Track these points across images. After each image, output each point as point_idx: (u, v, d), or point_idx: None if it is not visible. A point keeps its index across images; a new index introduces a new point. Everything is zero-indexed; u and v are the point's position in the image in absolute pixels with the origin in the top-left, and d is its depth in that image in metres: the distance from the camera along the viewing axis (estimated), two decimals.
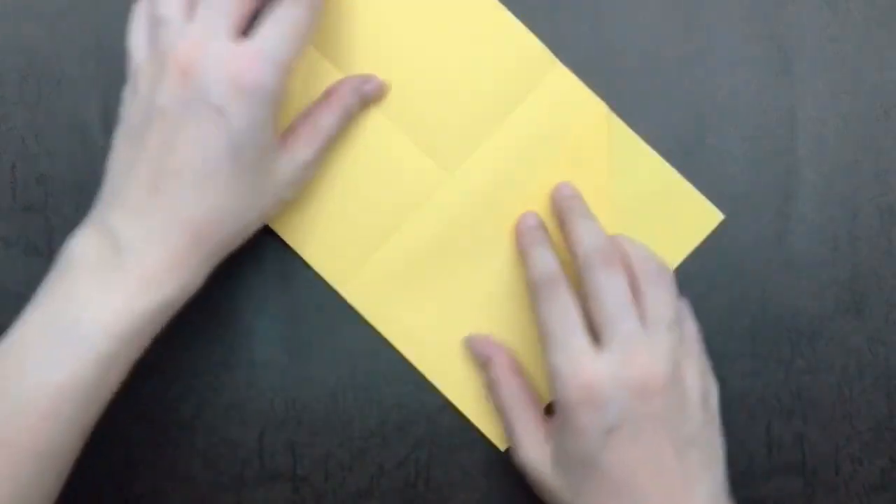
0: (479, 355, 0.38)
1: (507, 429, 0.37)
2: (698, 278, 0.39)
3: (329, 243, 0.39)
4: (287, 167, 0.36)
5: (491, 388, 0.38)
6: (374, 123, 0.39)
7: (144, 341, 0.33)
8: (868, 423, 0.39)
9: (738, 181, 0.39)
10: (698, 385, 0.34)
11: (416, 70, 0.39)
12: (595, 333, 0.34)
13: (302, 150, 0.36)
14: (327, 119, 0.37)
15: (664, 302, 0.34)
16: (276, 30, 0.33)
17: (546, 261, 0.36)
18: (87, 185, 0.39)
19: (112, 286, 0.32)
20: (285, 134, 0.36)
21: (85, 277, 0.32)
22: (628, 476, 0.32)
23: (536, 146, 0.39)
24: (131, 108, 0.34)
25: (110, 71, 0.40)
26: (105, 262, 0.32)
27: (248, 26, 0.34)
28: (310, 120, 0.37)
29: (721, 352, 0.39)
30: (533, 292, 0.36)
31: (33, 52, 0.40)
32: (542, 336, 0.35)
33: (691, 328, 0.36)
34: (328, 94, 0.38)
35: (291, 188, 0.36)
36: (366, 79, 0.38)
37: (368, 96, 0.38)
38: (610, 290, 0.34)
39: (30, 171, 0.39)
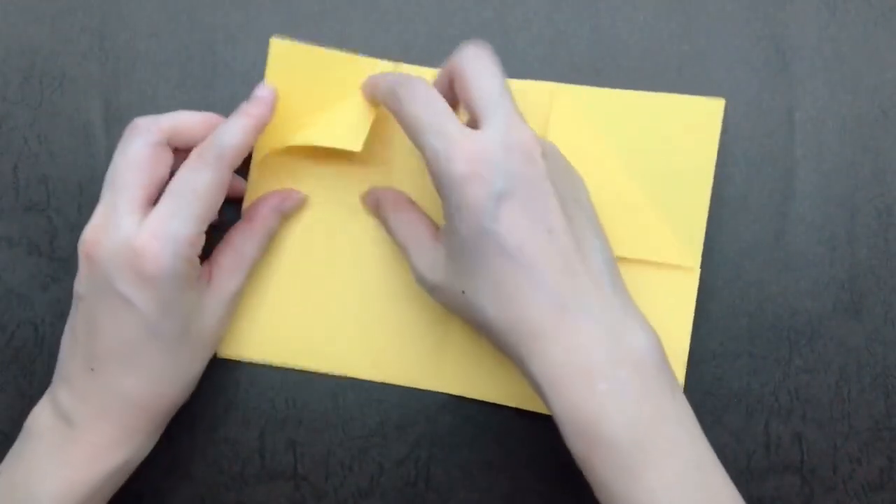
0: (370, 203, 0.38)
1: (405, 254, 0.36)
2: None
3: (329, 344, 0.39)
4: (216, 305, 0.36)
5: (387, 226, 0.37)
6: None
7: (100, 502, 0.34)
8: (866, 422, 0.39)
9: (736, 181, 0.39)
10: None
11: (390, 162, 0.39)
12: (472, 123, 0.32)
13: (228, 282, 0.36)
14: (250, 246, 0.37)
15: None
16: (172, 204, 0.32)
17: (397, 73, 0.36)
18: (88, 185, 0.39)
19: (63, 458, 0.33)
20: (209, 267, 0.36)
21: (40, 450, 0.33)
22: (521, 242, 0.30)
23: None
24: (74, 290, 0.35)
25: (112, 71, 0.40)
26: (57, 436, 0.33)
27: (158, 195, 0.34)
28: (232, 249, 0.37)
29: (720, 351, 0.39)
30: (390, 102, 0.34)
31: (35, 53, 0.40)
32: (412, 131, 0.32)
33: None
34: (249, 217, 0.37)
35: (223, 323, 0.36)
36: (285, 195, 0.38)
37: (288, 212, 0.38)
38: (488, 74, 0.32)
39: (32, 171, 0.40)
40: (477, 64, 0.32)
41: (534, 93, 0.39)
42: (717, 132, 0.38)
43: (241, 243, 0.37)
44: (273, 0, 0.40)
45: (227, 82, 0.40)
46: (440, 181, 0.31)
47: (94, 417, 0.33)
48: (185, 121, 0.35)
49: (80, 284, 0.33)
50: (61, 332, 0.39)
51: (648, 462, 0.29)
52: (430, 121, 0.31)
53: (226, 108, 0.39)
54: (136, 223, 0.32)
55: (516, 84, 0.38)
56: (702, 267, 0.39)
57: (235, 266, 0.36)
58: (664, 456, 0.29)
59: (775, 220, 0.39)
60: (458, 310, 0.33)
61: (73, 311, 0.34)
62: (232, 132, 0.34)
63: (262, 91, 0.35)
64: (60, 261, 0.39)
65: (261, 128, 0.35)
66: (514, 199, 0.30)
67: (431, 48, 0.40)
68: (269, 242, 0.38)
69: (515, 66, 0.40)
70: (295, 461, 0.39)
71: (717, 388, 0.39)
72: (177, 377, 0.35)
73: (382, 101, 0.35)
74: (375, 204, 0.38)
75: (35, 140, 0.40)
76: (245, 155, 0.34)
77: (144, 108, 0.39)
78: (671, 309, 0.38)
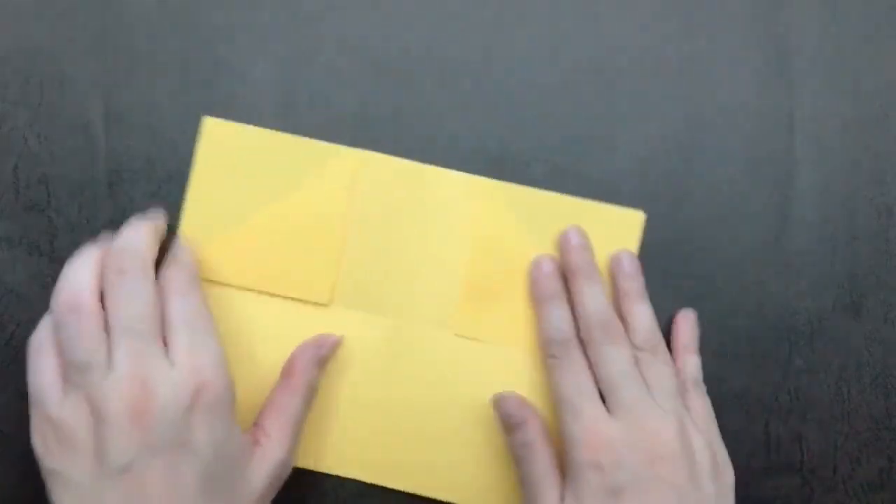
0: (513, 416, 0.36)
1: (530, 494, 0.35)
2: (698, 278, 0.39)
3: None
4: (264, 472, 0.33)
5: (522, 451, 0.36)
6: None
7: None
8: (866, 422, 0.39)
9: (736, 182, 0.39)
10: (707, 457, 0.34)
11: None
12: (602, 398, 0.35)
13: (276, 450, 0.34)
14: (293, 404, 0.35)
15: (665, 372, 0.35)
16: (192, 335, 0.32)
17: (560, 319, 0.36)
18: (89, 185, 0.39)
19: None
20: (253, 431, 0.35)
21: None
22: None
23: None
24: (69, 469, 0.30)
25: (112, 71, 0.40)
26: None
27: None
28: (276, 410, 0.35)
29: (719, 352, 0.39)
30: (545, 350, 0.37)
31: (35, 52, 0.40)
32: (556, 401, 0.35)
33: (699, 402, 0.36)
34: (287, 373, 0.36)
35: (273, 488, 0.34)
36: (319, 343, 0.37)
37: (326, 358, 0.37)
38: (614, 360, 0.35)
39: (32, 171, 0.40)
40: (606, 347, 0.35)
41: (451, 185, 0.39)
42: (636, 243, 0.39)
43: (284, 403, 0.35)
44: (273, 0, 0.40)
45: (227, 82, 0.40)
46: (567, 457, 0.34)
47: None
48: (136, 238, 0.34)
49: (122, 452, 0.29)
50: None
51: None
52: (571, 398, 0.34)
53: (226, 108, 0.39)
54: (170, 365, 0.31)
55: (436, 173, 0.39)
56: (702, 266, 0.39)
57: (282, 429, 0.34)
58: None
59: (775, 221, 0.39)
60: None
61: (89, 488, 0.30)
62: (190, 260, 0.35)
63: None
64: (60, 261, 0.39)
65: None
66: (630, 494, 0.32)
67: (431, 48, 0.40)
68: (313, 396, 0.37)
69: (515, 66, 0.40)
70: None
71: (717, 388, 0.38)
72: None
73: (540, 339, 0.37)
74: (520, 419, 0.36)
75: (35, 140, 0.40)
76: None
77: (144, 108, 0.39)
78: None
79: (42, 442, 0.31)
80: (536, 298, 0.38)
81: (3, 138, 0.40)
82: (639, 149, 0.40)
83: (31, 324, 0.39)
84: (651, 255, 0.39)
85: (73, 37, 0.40)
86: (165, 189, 0.39)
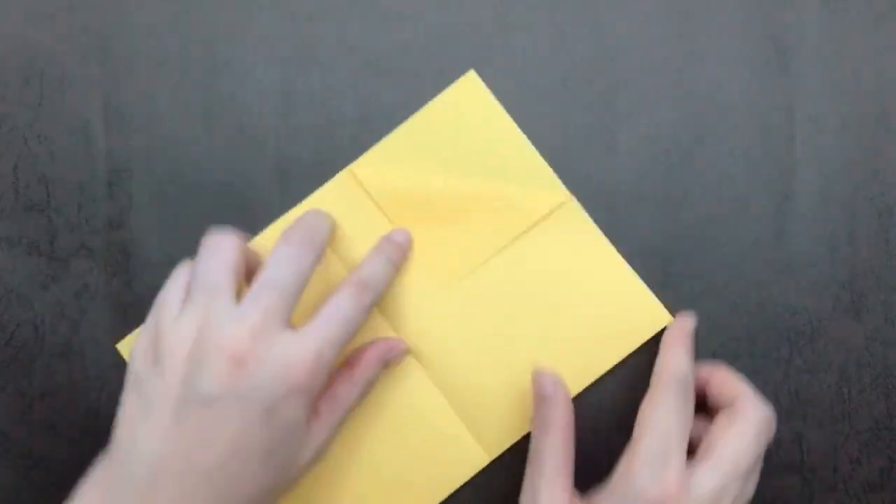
0: (541, 389, 0.36)
1: (532, 479, 0.35)
2: (698, 278, 0.39)
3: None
4: (310, 447, 0.34)
5: (537, 427, 0.35)
6: (418, 383, 0.39)
7: None
8: (867, 422, 0.39)
9: (736, 181, 0.39)
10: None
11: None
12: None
13: (321, 429, 0.34)
14: (349, 395, 0.35)
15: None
16: (330, 329, 0.33)
17: (685, 362, 0.35)
18: (88, 185, 0.39)
19: None
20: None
21: None
22: None
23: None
24: (156, 382, 0.31)
25: (113, 71, 0.40)
26: None
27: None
28: (331, 397, 0.35)
29: (720, 352, 0.39)
30: (659, 385, 0.35)
31: (35, 52, 0.40)
32: (645, 438, 0.33)
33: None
34: (350, 364, 0.36)
35: (304, 470, 0.34)
36: (391, 346, 0.37)
37: (392, 362, 0.38)
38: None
39: (32, 171, 0.40)
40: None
41: (341, 186, 0.39)
42: (487, 95, 0.39)
43: (341, 392, 0.35)
44: (273, 0, 0.40)
45: (227, 82, 0.40)
46: (614, 491, 0.33)
47: None
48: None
49: (211, 384, 0.30)
50: (61, 332, 0.39)
51: None
52: (665, 445, 0.33)
53: (226, 108, 0.39)
54: (292, 337, 0.32)
55: (322, 192, 0.39)
56: (703, 266, 0.39)
57: (331, 413, 0.35)
58: None
59: (775, 220, 0.39)
60: None
61: (170, 409, 0.31)
62: (384, 278, 0.36)
63: (399, 237, 0.38)
64: (60, 261, 0.39)
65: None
66: None
67: (431, 48, 0.40)
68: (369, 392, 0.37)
69: (515, 65, 0.40)
70: None
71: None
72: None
73: (660, 375, 0.35)
74: (546, 395, 0.36)
75: (35, 140, 0.40)
76: None
77: (144, 108, 0.40)
78: (584, 242, 0.39)
79: (143, 348, 0.33)
80: (668, 341, 0.37)
81: (3, 138, 0.40)
82: (639, 149, 0.40)
83: (31, 324, 0.39)
84: (651, 255, 0.39)
85: (73, 37, 0.40)
86: (165, 189, 0.39)
